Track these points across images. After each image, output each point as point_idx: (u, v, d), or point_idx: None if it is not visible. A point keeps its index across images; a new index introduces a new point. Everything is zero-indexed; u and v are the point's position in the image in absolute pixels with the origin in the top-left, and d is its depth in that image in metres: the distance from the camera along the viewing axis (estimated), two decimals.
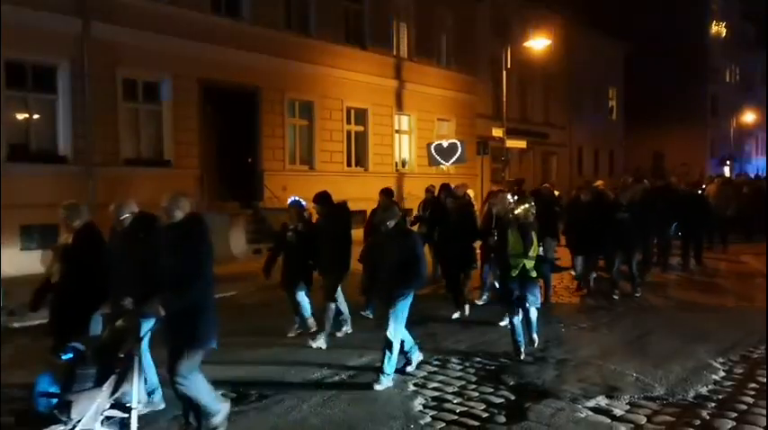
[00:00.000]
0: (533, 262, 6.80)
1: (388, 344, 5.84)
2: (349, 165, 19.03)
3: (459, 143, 17.16)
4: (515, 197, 8.77)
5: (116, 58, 13.13)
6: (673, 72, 37.18)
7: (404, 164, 21.14)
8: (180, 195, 4.60)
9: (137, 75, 13.80)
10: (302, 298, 7.60)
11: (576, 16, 29.35)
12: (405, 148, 21.27)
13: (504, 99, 21.61)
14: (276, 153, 16.69)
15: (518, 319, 6.77)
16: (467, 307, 8.70)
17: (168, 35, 13.78)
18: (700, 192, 14.68)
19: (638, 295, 9.97)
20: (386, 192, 9.21)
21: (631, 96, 36.04)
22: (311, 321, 7.63)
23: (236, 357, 6.56)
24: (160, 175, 13.71)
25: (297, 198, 7.84)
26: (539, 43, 22.65)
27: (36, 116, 12.64)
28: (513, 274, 6.85)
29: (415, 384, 5.98)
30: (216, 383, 6.00)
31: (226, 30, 15.15)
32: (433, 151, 17.17)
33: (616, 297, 9.73)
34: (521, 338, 6.74)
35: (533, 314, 6.98)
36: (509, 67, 21.53)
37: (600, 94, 34.25)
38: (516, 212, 6.99)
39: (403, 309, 5.91)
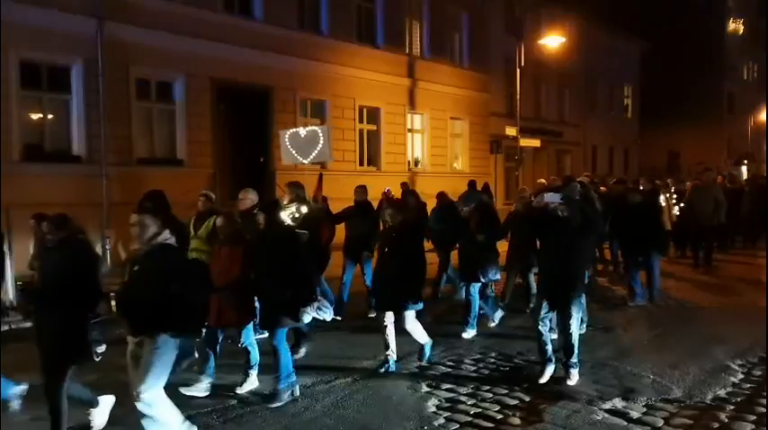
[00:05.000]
0: None
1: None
2: (361, 164, 18.97)
3: (320, 131, 10.60)
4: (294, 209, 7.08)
5: (130, 58, 13.16)
6: (689, 70, 36.75)
7: (416, 163, 21.07)
8: None
9: (150, 74, 13.82)
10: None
11: (591, 14, 29.11)
12: (417, 147, 21.20)
13: (518, 97, 21.45)
14: None
15: None
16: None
17: (181, 35, 13.80)
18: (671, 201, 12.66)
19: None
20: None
21: (647, 94, 35.64)
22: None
23: None
24: (173, 174, 13.74)
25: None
26: (553, 41, 22.50)
27: (50, 116, 12.70)
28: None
29: (428, 385, 5.94)
30: (229, 382, 6.00)
31: (239, 29, 15.15)
32: (287, 143, 11.01)
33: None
34: None
35: None
36: (523, 65, 21.39)
37: (615, 91, 33.94)
38: None
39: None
